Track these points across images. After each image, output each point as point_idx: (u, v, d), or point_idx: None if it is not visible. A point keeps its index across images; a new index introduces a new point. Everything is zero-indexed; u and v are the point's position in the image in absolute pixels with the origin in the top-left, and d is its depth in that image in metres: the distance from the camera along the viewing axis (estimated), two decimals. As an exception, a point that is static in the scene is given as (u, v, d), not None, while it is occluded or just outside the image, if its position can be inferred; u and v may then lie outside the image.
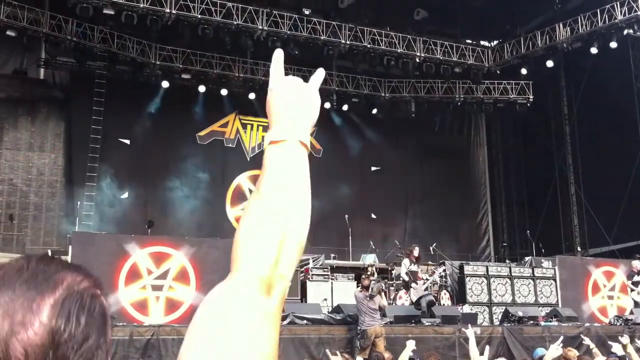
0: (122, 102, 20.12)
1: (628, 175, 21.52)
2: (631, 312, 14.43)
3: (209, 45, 19.94)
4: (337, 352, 7.62)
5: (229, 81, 20.88)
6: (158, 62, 19.78)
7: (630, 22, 19.65)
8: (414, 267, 12.99)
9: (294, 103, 1.22)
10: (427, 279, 13.56)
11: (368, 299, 10.55)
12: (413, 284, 12.61)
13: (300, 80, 1.28)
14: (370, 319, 10.35)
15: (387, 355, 8.64)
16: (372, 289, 10.78)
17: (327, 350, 7.55)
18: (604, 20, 20.01)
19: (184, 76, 20.35)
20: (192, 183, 20.80)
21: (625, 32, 19.88)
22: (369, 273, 14.89)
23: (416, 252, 13.22)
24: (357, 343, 10.42)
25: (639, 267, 15.24)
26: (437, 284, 15.01)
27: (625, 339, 7.33)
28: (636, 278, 15.07)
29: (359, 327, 10.47)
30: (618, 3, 19.67)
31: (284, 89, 1.24)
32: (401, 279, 13.21)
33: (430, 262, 16.67)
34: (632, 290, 15.07)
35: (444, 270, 15.62)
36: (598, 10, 20.08)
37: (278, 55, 1.26)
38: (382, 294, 11.41)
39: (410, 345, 7.70)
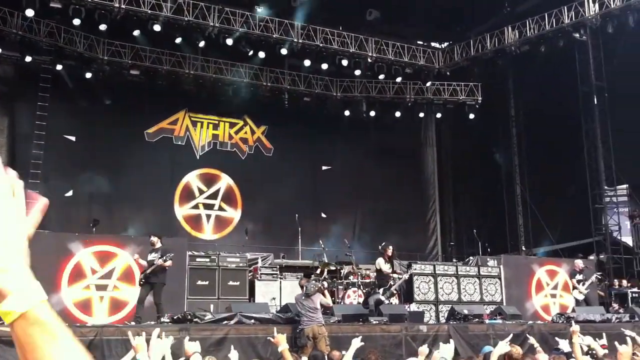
0: (68, 98, 19.67)
1: (572, 176, 22.07)
2: (573, 310, 14.76)
3: (159, 41, 19.67)
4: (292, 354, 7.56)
5: (179, 78, 20.63)
6: (106, 58, 19.44)
7: (577, 26, 20.15)
8: (386, 267, 13.09)
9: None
10: (399, 278, 13.61)
11: (304, 297, 10.59)
12: (382, 282, 12.72)
13: None
14: (307, 319, 10.37)
15: (336, 353, 8.64)
16: (306, 287, 10.81)
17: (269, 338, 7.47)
18: (551, 24, 20.47)
19: (133, 72, 20.02)
20: (140, 181, 20.49)
21: (572, 36, 20.36)
22: (318, 272, 14.97)
23: (390, 251, 13.29)
24: (299, 342, 10.43)
25: (581, 266, 15.64)
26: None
27: (576, 327, 7.38)
28: (578, 277, 15.45)
29: (299, 327, 10.51)
30: (565, 8, 20.14)
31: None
32: (377, 274, 13.36)
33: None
34: (574, 288, 15.45)
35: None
36: (546, 15, 20.54)
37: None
38: (326, 292, 11.42)
39: (356, 343, 7.68)
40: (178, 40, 19.32)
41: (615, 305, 17.48)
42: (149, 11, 18.06)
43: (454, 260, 19.18)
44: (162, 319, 10.77)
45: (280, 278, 14.79)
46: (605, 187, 21.89)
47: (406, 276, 14.12)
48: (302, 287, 11.00)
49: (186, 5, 18.56)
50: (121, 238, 13.73)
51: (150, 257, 11.32)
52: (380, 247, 13.86)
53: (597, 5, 19.63)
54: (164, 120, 21.77)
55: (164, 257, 11.20)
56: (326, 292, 11.42)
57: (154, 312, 11.28)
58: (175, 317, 10.72)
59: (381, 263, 13.01)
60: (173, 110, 21.88)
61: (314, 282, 11.45)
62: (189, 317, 10.60)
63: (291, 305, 12.06)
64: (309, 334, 10.22)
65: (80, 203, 19.82)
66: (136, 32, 18.92)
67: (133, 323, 10.60)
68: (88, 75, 19.60)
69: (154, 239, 11.67)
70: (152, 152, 21.26)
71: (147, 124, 21.45)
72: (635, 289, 17.69)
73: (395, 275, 13.50)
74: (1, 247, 0.95)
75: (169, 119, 21.87)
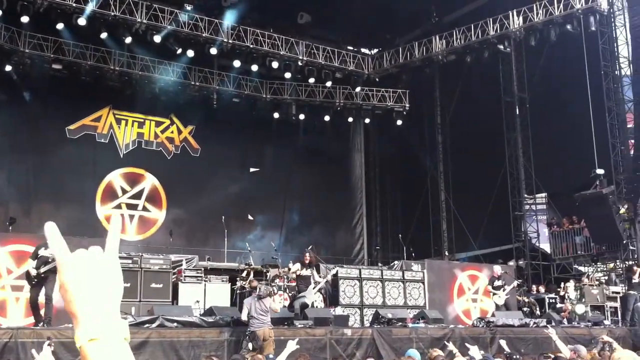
0: (-15, 92, 18.85)
1: (494, 184, 22.69)
2: (493, 315, 15.15)
3: (84, 35, 19.04)
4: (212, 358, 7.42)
5: (103, 74, 20.02)
6: (27, 50, 18.69)
7: (502, 38, 20.76)
8: (305, 272, 12.99)
9: (97, 287, 1.12)
10: (318, 282, 13.57)
11: (256, 299, 10.45)
12: (302, 287, 12.68)
13: (96, 252, 1.16)
14: (258, 322, 10.27)
15: (260, 357, 8.59)
16: (259, 288, 10.70)
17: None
18: (477, 35, 20.99)
19: (55, 66, 19.33)
20: (60, 179, 19.84)
21: (497, 47, 20.95)
22: (244, 275, 14.80)
23: (308, 257, 13.23)
24: (245, 345, 10.28)
25: (499, 272, 16.10)
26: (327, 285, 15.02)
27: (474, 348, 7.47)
28: (497, 282, 15.90)
29: (248, 329, 10.36)
30: (491, 20, 20.71)
31: (79, 269, 1.12)
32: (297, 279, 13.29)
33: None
34: (493, 294, 15.86)
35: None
36: (472, 26, 21.06)
37: (52, 229, 1.15)
38: (275, 297, 11.36)
39: (291, 346, 7.58)
40: (103, 35, 18.78)
41: (525, 299, 18.08)
42: (74, 4, 17.50)
43: (379, 265, 19.36)
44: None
45: (205, 280, 14.55)
46: (525, 195, 22.63)
47: (326, 279, 14.18)
48: (255, 288, 10.82)
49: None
50: (39, 237, 13.17)
51: (45, 252, 10.60)
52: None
53: (521, 18, 20.27)
54: (86, 116, 21.10)
55: None
56: (275, 297, 11.36)
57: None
58: (94, 320, 10.35)
59: (297, 268, 12.92)
60: (96, 106, 21.23)
61: (265, 285, 11.38)
62: (109, 319, 10.24)
63: (216, 309, 11.91)
64: (260, 336, 10.10)
65: (-4, 200, 19.00)
66: (60, 26, 18.28)
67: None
68: (8, 68, 18.81)
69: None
70: (73, 149, 20.59)
71: (68, 120, 20.73)
72: (552, 295, 18.30)
73: (318, 279, 13.47)
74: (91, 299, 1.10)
75: (92, 115, 21.21)
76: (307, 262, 13.07)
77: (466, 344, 9.07)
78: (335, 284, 15.43)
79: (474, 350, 7.35)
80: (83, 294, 1.10)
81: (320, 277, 13.84)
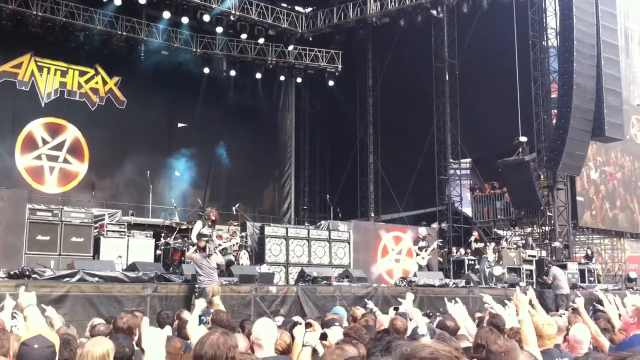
0: None
1: (421, 148, 23.04)
2: (415, 275, 15.51)
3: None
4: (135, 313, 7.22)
5: (25, 19, 19.04)
6: (-59, -10, 17.59)
7: (435, 4, 20.85)
8: (207, 230, 12.63)
9: None
10: (219, 244, 13.45)
11: (207, 258, 10.43)
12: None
13: None
14: (208, 278, 10.40)
15: (188, 312, 8.53)
16: (208, 248, 10.68)
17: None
18: (411, -1, 21.00)
19: (-28, 9, 18.27)
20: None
21: (430, 12, 21.04)
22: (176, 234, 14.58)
23: (213, 214, 12.85)
24: (194, 301, 10.20)
25: (424, 234, 16.47)
26: (237, 245, 14.99)
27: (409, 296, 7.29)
28: (421, 243, 16.27)
29: (197, 286, 10.45)
30: (426, -16, 20.73)
31: None
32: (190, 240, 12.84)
33: (233, 222, 16.62)
34: (417, 254, 16.22)
35: (246, 235, 15.68)
36: (407, -11, 21.04)
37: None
38: (216, 251, 11.40)
39: (201, 304, 7.45)
40: (26, -23, 17.83)
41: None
42: (-7, -58, 16.51)
43: (306, 224, 19.48)
44: None
45: (129, 236, 14.26)
46: (450, 160, 23.09)
47: (237, 239, 14.20)
48: (202, 248, 10.73)
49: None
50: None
51: None
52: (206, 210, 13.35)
53: (455, -16, 20.39)
54: (6, 62, 20.16)
55: None
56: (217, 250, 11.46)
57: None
58: (12, 273, 10.06)
59: (198, 226, 12.19)
60: (17, 52, 20.29)
61: (210, 242, 11.33)
62: (27, 272, 9.97)
63: (139, 264, 11.73)
64: (209, 292, 10.13)
65: None
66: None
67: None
68: None
69: None
70: (-9, 96, 19.66)
71: (-14, 66, 19.75)
72: (471, 257, 18.85)
73: (217, 241, 13.30)
74: None
75: (12, 62, 20.26)
76: (212, 219, 12.57)
77: (399, 299, 9.02)
78: (261, 241, 15.46)
79: (407, 303, 6.10)
80: None
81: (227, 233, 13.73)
